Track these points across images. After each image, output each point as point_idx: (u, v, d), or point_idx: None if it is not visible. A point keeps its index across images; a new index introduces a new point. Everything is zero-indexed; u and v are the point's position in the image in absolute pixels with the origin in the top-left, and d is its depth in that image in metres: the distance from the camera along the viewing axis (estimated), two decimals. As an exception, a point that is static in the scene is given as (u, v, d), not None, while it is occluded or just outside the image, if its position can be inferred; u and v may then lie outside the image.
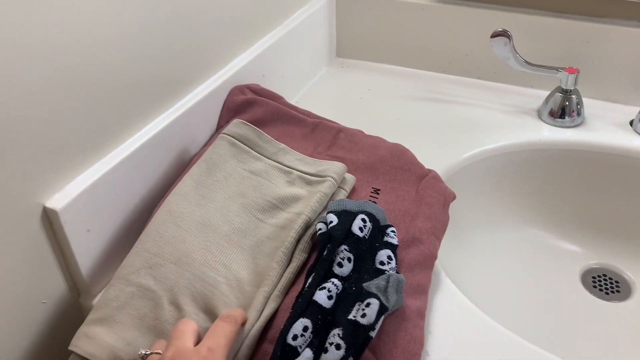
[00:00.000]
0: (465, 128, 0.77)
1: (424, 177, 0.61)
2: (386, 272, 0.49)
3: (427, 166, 0.64)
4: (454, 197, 0.61)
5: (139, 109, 0.57)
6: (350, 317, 0.44)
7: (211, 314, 0.48)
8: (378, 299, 0.45)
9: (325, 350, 0.42)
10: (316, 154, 0.64)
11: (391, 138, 0.67)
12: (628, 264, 0.75)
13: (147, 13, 0.55)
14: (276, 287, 0.50)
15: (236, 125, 0.61)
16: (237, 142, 0.60)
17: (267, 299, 0.49)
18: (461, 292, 0.55)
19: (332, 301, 0.46)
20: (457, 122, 0.79)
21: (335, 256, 0.49)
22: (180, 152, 0.62)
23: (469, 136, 0.76)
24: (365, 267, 0.49)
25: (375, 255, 0.50)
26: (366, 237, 0.51)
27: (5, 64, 0.43)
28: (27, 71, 0.44)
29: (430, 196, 0.59)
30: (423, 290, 0.51)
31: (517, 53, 0.75)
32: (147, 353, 0.43)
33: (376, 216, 0.53)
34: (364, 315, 0.44)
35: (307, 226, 0.54)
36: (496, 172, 0.76)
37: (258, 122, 0.66)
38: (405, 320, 0.48)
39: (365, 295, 0.46)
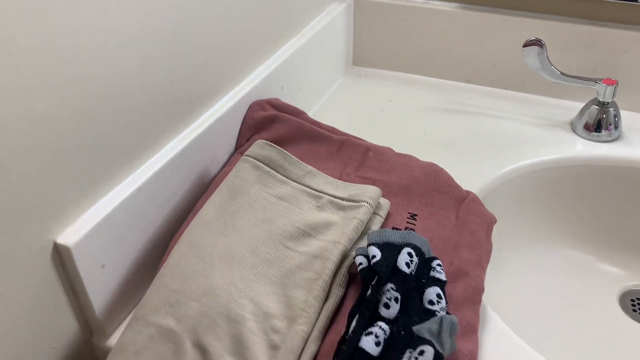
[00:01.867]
0: (495, 143, 0.73)
1: (463, 200, 0.57)
2: (436, 312, 0.44)
3: (460, 185, 0.59)
4: (495, 222, 0.57)
5: (154, 131, 0.52)
6: None
7: (240, 355, 0.43)
8: (432, 345, 0.40)
9: None
10: (344, 176, 0.59)
11: (420, 154, 0.63)
12: (670, 287, 0.71)
13: (160, 32, 0.50)
14: (314, 326, 0.45)
15: (259, 147, 0.56)
16: (261, 164, 0.55)
17: (306, 340, 0.44)
18: (502, 321, 0.51)
19: (379, 348, 0.42)
20: (485, 136, 0.74)
21: (381, 296, 0.44)
22: (200, 174, 0.58)
23: (501, 151, 0.71)
24: (414, 308, 0.44)
25: (423, 294, 0.46)
26: (413, 273, 0.46)
27: (12, 93, 0.38)
28: (34, 101, 0.40)
29: (473, 222, 0.54)
30: (473, 329, 0.47)
31: (551, 63, 0.71)
32: None
33: (422, 249, 0.48)
34: None
35: (344, 257, 0.49)
36: (530, 190, 0.72)
37: (280, 141, 0.62)
38: (458, 366, 0.43)
39: (417, 341, 0.41)
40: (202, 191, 0.58)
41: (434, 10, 0.82)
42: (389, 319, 0.43)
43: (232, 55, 0.62)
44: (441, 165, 0.61)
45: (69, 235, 0.44)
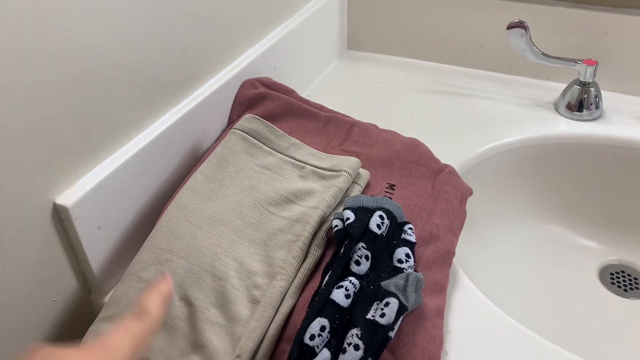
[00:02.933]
0: (481, 122, 0.76)
1: (440, 172, 0.60)
2: (404, 270, 0.48)
3: (443, 161, 0.62)
4: (471, 193, 0.60)
5: (148, 104, 0.56)
6: (369, 316, 0.43)
7: (223, 308, 0.47)
8: (397, 298, 0.44)
9: (344, 351, 0.41)
10: (329, 149, 0.63)
11: (405, 132, 0.66)
12: (647, 260, 0.74)
13: (156, 8, 0.54)
14: (292, 283, 0.49)
15: (247, 120, 0.59)
16: (249, 136, 0.58)
17: (284, 294, 0.48)
18: (479, 290, 0.54)
19: (349, 300, 0.45)
20: (472, 115, 0.77)
21: (353, 254, 0.48)
22: (192, 147, 0.61)
23: (485, 130, 0.74)
24: (383, 266, 0.48)
25: (393, 253, 0.49)
26: (384, 234, 0.49)
27: (14, 61, 0.42)
28: (36, 69, 0.43)
29: (447, 192, 0.57)
30: (441, 288, 0.50)
31: (534, 45, 0.74)
32: None
33: (393, 213, 0.51)
34: (382, 315, 0.43)
35: (322, 221, 0.53)
36: (512, 166, 0.75)
37: (270, 117, 0.65)
38: (424, 319, 0.47)
39: (383, 294, 0.44)
40: (194, 163, 0.61)
41: (424, -6, 0.85)
42: (359, 275, 0.47)
43: (225, 34, 0.65)
44: (426, 141, 0.64)
45: (68, 197, 0.48)
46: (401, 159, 0.61)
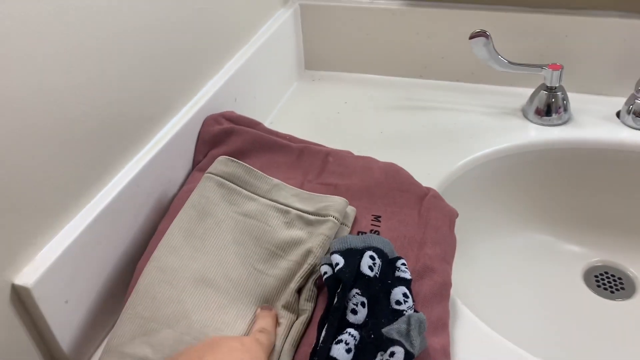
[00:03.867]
0: (451, 135, 0.74)
1: (424, 196, 0.57)
2: (404, 312, 0.45)
3: (421, 181, 0.60)
4: (457, 215, 0.58)
5: (105, 158, 0.51)
6: None
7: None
8: (402, 345, 0.41)
9: None
10: (307, 183, 0.59)
11: (379, 154, 0.63)
12: (630, 260, 0.73)
13: (103, 55, 0.49)
14: (286, 340, 0.45)
15: (222, 163, 0.55)
16: (226, 181, 0.54)
17: (279, 353, 0.44)
18: (480, 319, 0.51)
19: (351, 354, 0.42)
20: (441, 129, 0.75)
21: (348, 302, 0.44)
22: (158, 196, 0.57)
23: (457, 144, 0.72)
24: (382, 310, 0.45)
25: (390, 295, 0.46)
26: (377, 275, 0.46)
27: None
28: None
29: (435, 218, 0.55)
30: (444, 325, 0.47)
31: (498, 53, 0.72)
32: None
33: (384, 250, 0.48)
34: None
35: (311, 274, 0.49)
36: (487, 179, 0.73)
37: (238, 153, 0.61)
38: (432, 363, 0.44)
39: (387, 343, 0.41)
40: (162, 213, 0.57)
41: (379, 9, 0.83)
42: (357, 324, 0.44)
43: (181, 72, 0.61)
44: (400, 163, 0.62)
45: (27, 275, 0.43)
46: (383, 187, 0.58)
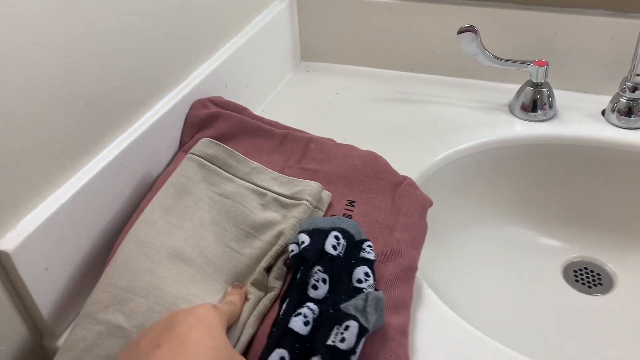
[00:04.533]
0: (437, 128, 0.76)
1: (399, 184, 0.59)
2: (364, 290, 0.46)
3: (402, 171, 0.61)
4: (431, 204, 0.59)
5: (93, 134, 0.53)
6: (329, 342, 0.42)
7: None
8: (357, 320, 0.42)
9: None
10: (287, 168, 0.61)
11: (363, 143, 0.65)
12: (608, 256, 0.74)
13: (98, 33, 0.52)
14: (252, 313, 0.47)
15: (204, 145, 0.57)
16: (207, 162, 0.56)
17: (244, 324, 0.46)
18: (445, 304, 0.53)
19: (308, 327, 0.44)
20: (428, 122, 0.77)
21: (310, 278, 0.46)
22: (143, 175, 0.59)
23: (442, 137, 0.74)
24: (342, 287, 0.47)
25: (352, 273, 0.48)
26: (341, 255, 0.48)
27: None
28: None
29: (408, 205, 0.56)
30: (405, 305, 0.49)
31: (485, 48, 0.74)
32: None
33: (350, 232, 0.50)
34: (343, 340, 0.41)
35: (281, 254, 0.51)
36: (471, 171, 0.75)
37: (223, 137, 0.63)
38: (388, 339, 0.45)
39: (343, 317, 0.43)
40: (146, 192, 0.59)
41: (373, 3, 0.84)
42: (317, 299, 0.46)
43: (172, 55, 0.63)
44: (384, 153, 0.63)
45: (9, 241, 0.45)
46: (360, 174, 0.60)
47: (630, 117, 0.72)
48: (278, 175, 0.58)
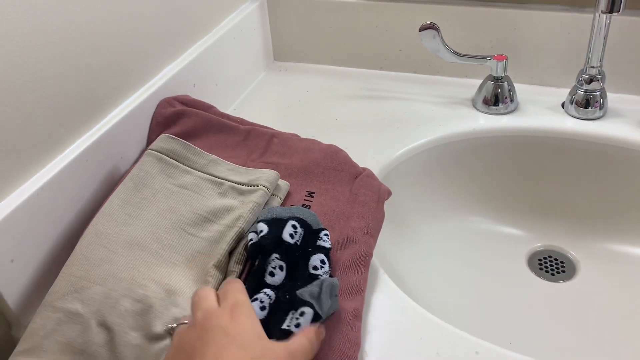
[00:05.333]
0: (403, 123, 0.78)
1: (357, 176, 0.61)
2: (320, 276, 0.48)
3: (365, 164, 0.64)
4: (389, 194, 0.61)
5: (58, 130, 0.55)
6: (284, 326, 0.44)
7: (143, 330, 0.46)
8: (312, 306, 0.44)
9: None
10: (250, 162, 0.63)
11: (330, 139, 0.67)
12: (571, 244, 0.76)
13: (65, 30, 0.54)
14: None
15: (163, 140, 0.59)
16: (165, 156, 0.58)
17: None
18: (401, 289, 0.55)
19: (265, 312, 0.46)
20: (394, 117, 0.79)
21: (267, 266, 0.48)
22: (109, 171, 0.61)
23: (406, 131, 0.76)
24: (299, 274, 0.49)
25: (309, 261, 0.50)
26: (298, 243, 0.50)
27: None
28: None
29: (364, 194, 0.58)
30: (359, 290, 0.51)
31: (446, 45, 0.76)
32: (173, 326, 0.44)
33: (307, 221, 0.52)
34: (298, 325, 0.43)
35: (241, 237, 0.53)
36: (434, 164, 0.77)
37: (189, 134, 0.65)
38: (341, 322, 0.47)
39: (299, 303, 0.45)
40: (112, 187, 0.61)
41: (340, 2, 0.87)
42: (274, 286, 0.47)
43: (139, 53, 0.65)
44: (349, 147, 0.66)
45: (-27, 233, 0.47)
46: (320, 167, 0.62)
47: (587, 108, 0.75)
48: (235, 166, 0.60)
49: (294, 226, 0.51)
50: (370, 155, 0.70)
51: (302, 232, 0.51)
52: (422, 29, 0.75)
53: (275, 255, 0.49)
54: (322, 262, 0.50)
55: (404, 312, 0.52)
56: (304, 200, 0.59)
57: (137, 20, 0.64)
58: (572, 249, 0.76)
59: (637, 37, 0.74)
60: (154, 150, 0.59)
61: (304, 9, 0.89)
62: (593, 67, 0.72)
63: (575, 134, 0.75)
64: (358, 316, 0.49)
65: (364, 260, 0.53)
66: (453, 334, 0.50)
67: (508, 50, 0.80)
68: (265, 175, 0.58)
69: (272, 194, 0.58)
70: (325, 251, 0.51)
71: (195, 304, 0.42)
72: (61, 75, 0.54)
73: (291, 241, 0.50)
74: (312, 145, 0.65)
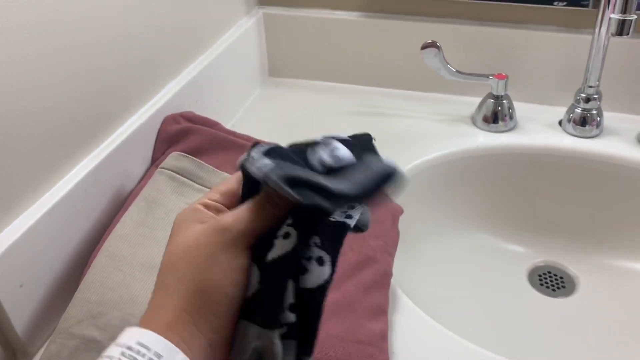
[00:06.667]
0: (404, 141, 0.78)
1: (370, 194, 0.60)
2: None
3: (371, 182, 0.63)
4: (401, 212, 0.61)
5: (65, 150, 0.53)
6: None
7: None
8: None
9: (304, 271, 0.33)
10: (260, 180, 0.62)
11: (333, 156, 0.66)
12: (570, 260, 0.77)
13: (67, 50, 0.52)
14: None
15: (174, 158, 0.58)
16: (177, 175, 0.57)
17: None
18: (419, 308, 0.54)
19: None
20: (394, 135, 0.79)
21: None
22: (116, 191, 0.59)
23: (408, 149, 0.76)
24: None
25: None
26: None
27: None
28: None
29: (379, 213, 0.58)
30: (383, 311, 0.50)
31: (448, 63, 0.77)
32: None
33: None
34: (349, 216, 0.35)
35: None
36: (437, 182, 0.77)
37: (196, 152, 0.64)
38: (370, 345, 0.47)
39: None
40: (120, 206, 0.59)
41: (338, 19, 0.87)
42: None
43: (143, 71, 0.64)
44: (353, 165, 0.65)
45: (-18, 257, 0.45)
46: (332, 185, 0.61)
47: (585, 126, 0.76)
48: None
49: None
50: (376, 172, 0.70)
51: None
52: (424, 47, 0.76)
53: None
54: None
55: (427, 333, 0.52)
56: (319, 219, 0.58)
57: (140, 39, 0.62)
58: (571, 265, 0.77)
59: (633, 58, 0.77)
60: (165, 169, 0.57)
61: (300, 25, 0.89)
62: (591, 87, 0.74)
63: (572, 151, 0.76)
64: (385, 338, 0.49)
65: (385, 280, 0.53)
66: (481, 355, 0.49)
67: (507, 69, 0.81)
68: None
69: None
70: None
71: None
72: (66, 95, 0.53)
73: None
74: (321, 163, 0.64)
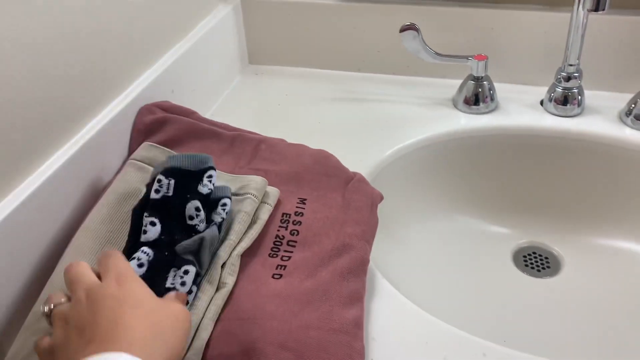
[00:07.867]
0: (385, 125, 0.77)
1: (349, 181, 0.60)
2: (196, 226, 0.49)
3: (352, 168, 0.63)
4: (381, 198, 0.61)
5: (34, 144, 0.52)
6: (169, 285, 0.45)
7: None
8: (194, 265, 0.46)
9: None
10: (238, 169, 0.61)
11: (314, 143, 0.66)
12: (555, 240, 0.77)
13: (39, 40, 0.51)
14: (205, 315, 0.47)
15: (144, 149, 0.57)
16: (147, 166, 0.56)
17: (197, 327, 0.46)
18: (400, 293, 0.54)
19: (143, 269, 0.46)
20: (376, 120, 0.78)
21: (141, 226, 0.49)
22: (91, 183, 0.58)
23: (390, 133, 0.75)
24: (177, 227, 0.49)
25: (184, 211, 0.49)
26: (169, 194, 0.49)
27: None
28: None
29: (358, 200, 0.58)
30: (359, 297, 0.50)
31: (427, 45, 0.76)
32: (51, 308, 0.41)
33: (183, 167, 0.51)
34: (183, 284, 0.46)
35: (232, 249, 0.51)
36: (419, 165, 0.76)
37: (172, 142, 0.63)
38: (343, 333, 0.46)
39: (180, 262, 0.46)
40: (95, 200, 0.58)
41: (316, 4, 0.85)
42: (152, 242, 0.48)
43: (116, 61, 0.63)
44: (335, 151, 0.64)
45: (-50, 255, 0.44)
46: (310, 172, 0.61)
47: (566, 105, 0.76)
48: (222, 173, 0.58)
49: (158, 180, 0.50)
50: (357, 158, 0.69)
51: (173, 182, 0.50)
52: (403, 29, 0.75)
53: (145, 213, 0.49)
54: (197, 209, 0.49)
55: (407, 317, 0.51)
56: (296, 207, 0.57)
57: (113, 27, 0.61)
58: (556, 245, 0.77)
59: (613, 35, 0.76)
60: (135, 160, 0.56)
61: (279, 11, 0.88)
62: (571, 65, 0.73)
63: (554, 130, 0.76)
64: (359, 325, 0.48)
65: (361, 267, 0.52)
66: (459, 336, 0.49)
67: (487, 50, 0.81)
68: (253, 183, 0.56)
69: (262, 202, 0.56)
70: (201, 197, 0.50)
71: (72, 281, 0.41)
72: (36, 87, 0.52)
73: (157, 196, 0.49)
74: (301, 150, 0.64)
